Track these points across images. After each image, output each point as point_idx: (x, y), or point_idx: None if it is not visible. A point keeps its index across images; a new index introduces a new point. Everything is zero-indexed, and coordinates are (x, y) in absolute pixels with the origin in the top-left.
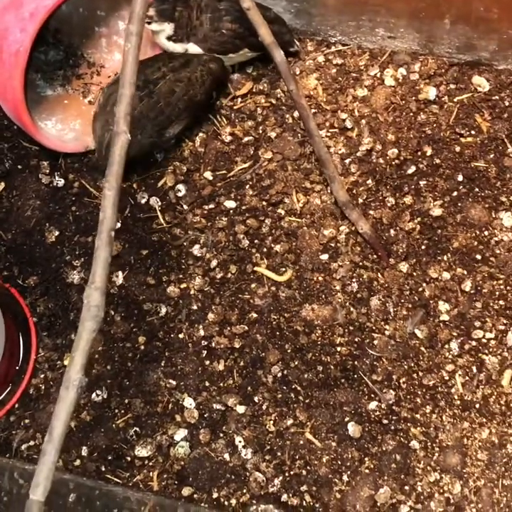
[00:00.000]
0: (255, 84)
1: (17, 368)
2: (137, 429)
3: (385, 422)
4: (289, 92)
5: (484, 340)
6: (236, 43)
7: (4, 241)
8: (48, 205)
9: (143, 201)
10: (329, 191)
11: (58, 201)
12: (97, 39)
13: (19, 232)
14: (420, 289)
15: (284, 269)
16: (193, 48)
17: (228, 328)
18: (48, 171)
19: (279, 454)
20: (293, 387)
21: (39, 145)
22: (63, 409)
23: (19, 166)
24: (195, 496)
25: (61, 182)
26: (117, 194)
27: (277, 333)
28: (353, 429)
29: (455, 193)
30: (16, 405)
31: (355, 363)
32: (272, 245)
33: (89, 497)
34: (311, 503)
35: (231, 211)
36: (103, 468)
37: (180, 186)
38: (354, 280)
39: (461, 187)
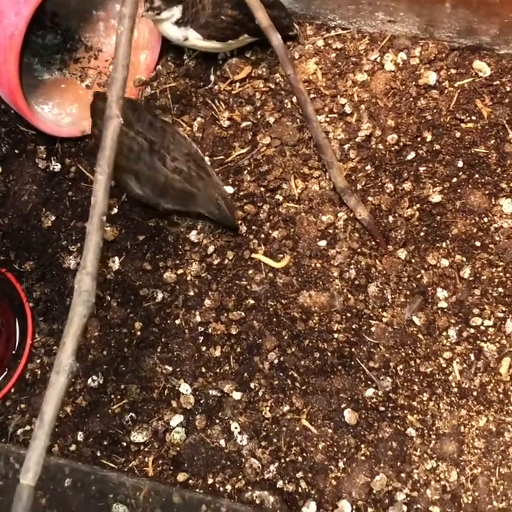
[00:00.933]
0: (254, 68)
1: (13, 352)
2: (133, 414)
3: (382, 409)
4: (287, 77)
5: (482, 328)
6: (236, 29)
7: (0, 226)
8: (44, 189)
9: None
10: (328, 177)
11: (55, 186)
12: (94, 23)
13: (15, 217)
14: (418, 276)
15: (281, 256)
16: (193, 35)
17: (225, 315)
18: (44, 156)
19: (275, 440)
20: (289, 373)
21: (36, 129)
22: (54, 395)
23: (16, 151)
24: (190, 481)
25: (58, 167)
26: (109, 178)
27: (274, 319)
28: (349, 416)
29: (455, 180)
30: (12, 390)
31: (353, 349)
32: (270, 231)
33: (84, 482)
34: (307, 490)
35: (229, 197)
36: (99, 454)
37: None
38: (352, 267)
39: (461, 173)
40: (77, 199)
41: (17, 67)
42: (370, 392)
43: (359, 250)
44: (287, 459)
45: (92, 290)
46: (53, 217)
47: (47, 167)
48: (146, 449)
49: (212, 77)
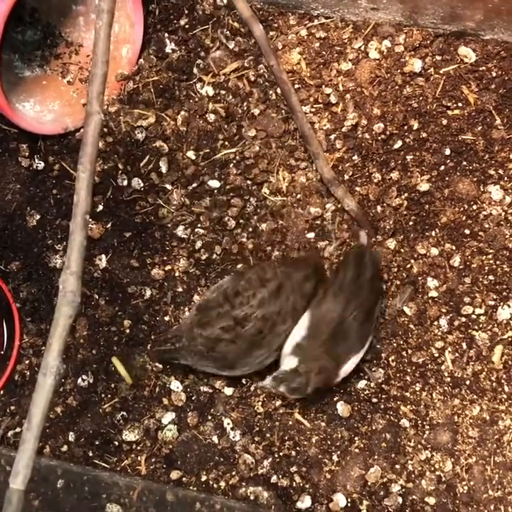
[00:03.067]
0: (237, 60)
1: (1, 354)
2: (124, 413)
3: (375, 400)
4: (270, 68)
5: (474, 316)
6: None
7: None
8: (28, 188)
9: (125, 183)
10: (314, 168)
11: (39, 184)
12: (74, 18)
13: (0, 217)
14: (408, 266)
15: (270, 249)
16: None
17: None
18: (27, 154)
19: (268, 435)
20: None
21: (18, 128)
22: (41, 397)
23: None
24: (183, 479)
25: (41, 165)
26: (92, 176)
27: None
28: (342, 408)
29: (442, 167)
30: (1, 392)
31: None
32: (258, 225)
33: (77, 483)
34: (301, 484)
35: (215, 191)
36: (91, 454)
37: (163, 166)
38: (341, 258)
39: (449, 161)
40: (61, 197)
41: None
42: (362, 384)
43: (348, 241)
44: (281, 454)
45: (78, 290)
46: (38, 216)
47: (30, 165)
48: (139, 448)
49: (195, 70)
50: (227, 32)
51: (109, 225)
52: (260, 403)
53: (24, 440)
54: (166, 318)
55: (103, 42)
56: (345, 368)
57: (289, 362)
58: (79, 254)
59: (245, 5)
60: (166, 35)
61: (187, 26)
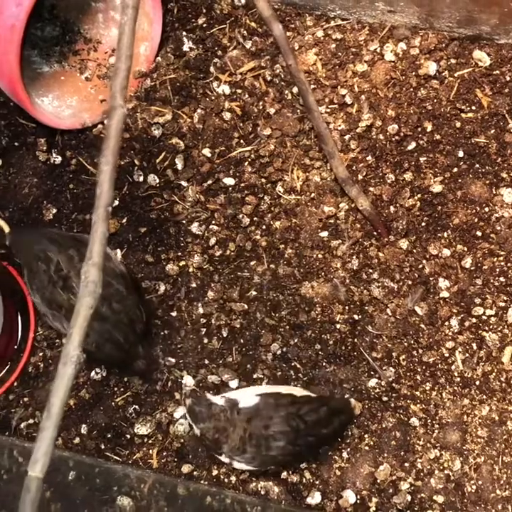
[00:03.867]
0: (254, 59)
1: (15, 346)
2: (136, 406)
3: (385, 399)
4: (288, 67)
5: (484, 317)
6: None
7: (2, 219)
8: (45, 182)
9: (141, 179)
10: (329, 168)
11: (56, 179)
12: (93, 15)
13: (17, 210)
14: (420, 266)
15: (283, 246)
16: None
17: (227, 306)
18: (45, 148)
19: None
20: (292, 364)
21: (36, 122)
22: (61, 386)
23: (16, 144)
24: (194, 473)
25: (58, 159)
26: (114, 169)
27: (276, 310)
28: (352, 406)
29: (455, 169)
30: (15, 384)
31: (355, 340)
32: (271, 222)
33: (89, 475)
34: (311, 480)
35: (230, 188)
36: (102, 446)
37: (179, 163)
38: (354, 257)
39: (462, 163)
40: (78, 191)
41: (18, 58)
42: (373, 382)
43: (361, 241)
44: None
45: (99, 281)
46: (54, 210)
47: (47, 160)
48: (150, 441)
49: (212, 69)
50: (245, 32)
51: (124, 220)
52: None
53: (43, 428)
54: (180, 314)
55: (127, 37)
56: None
57: None
58: (101, 245)
59: (265, 4)
60: (184, 33)
61: (205, 25)
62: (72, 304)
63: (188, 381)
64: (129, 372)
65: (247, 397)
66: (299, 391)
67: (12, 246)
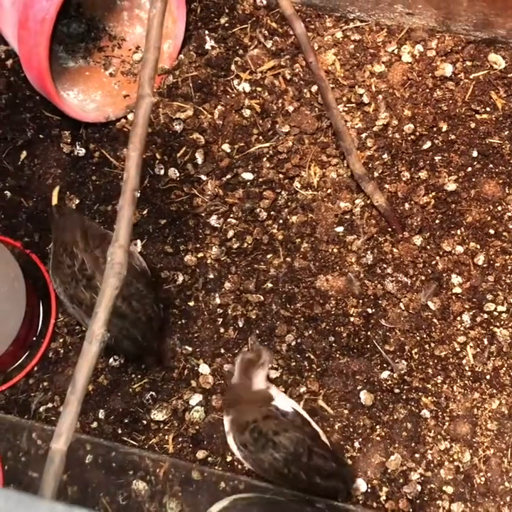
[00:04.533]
0: (274, 58)
1: (36, 332)
2: (153, 393)
3: (397, 391)
4: (308, 64)
5: (496, 313)
6: None
7: (26, 208)
8: (68, 174)
9: (161, 172)
10: (345, 165)
11: (79, 170)
12: (118, 12)
13: (40, 200)
14: (434, 262)
15: (299, 241)
16: None
17: (244, 297)
18: (69, 141)
19: None
20: (306, 355)
21: (61, 115)
22: (86, 362)
23: (41, 136)
24: (209, 459)
25: (82, 151)
26: (141, 155)
27: (292, 302)
28: (365, 397)
29: (469, 169)
30: (35, 368)
31: (368, 333)
32: (288, 217)
33: (105, 459)
34: None
35: (248, 183)
36: (119, 431)
37: (199, 158)
38: (369, 252)
39: (476, 163)
40: (100, 183)
41: (47, 52)
42: (385, 374)
43: (376, 236)
44: None
45: (125, 262)
46: (77, 201)
47: (71, 152)
48: (166, 427)
49: (233, 67)
50: (266, 31)
51: (145, 212)
52: (285, 389)
53: (68, 402)
54: (197, 304)
55: (155, 29)
56: None
57: None
58: (127, 228)
59: (288, 3)
60: (207, 32)
61: (227, 25)
62: (94, 303)
63: (203, 369)
64: (142, 363)
65: (284, 402)
66: (324, 436)
67: (51, 222)
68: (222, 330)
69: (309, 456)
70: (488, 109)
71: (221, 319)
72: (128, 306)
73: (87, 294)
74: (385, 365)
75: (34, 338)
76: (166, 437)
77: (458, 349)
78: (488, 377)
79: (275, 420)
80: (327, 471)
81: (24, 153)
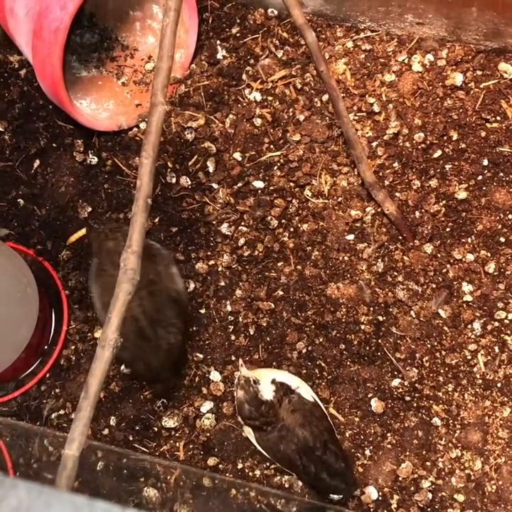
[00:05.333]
0: (285, 68)
1: (49, 339)
2: (164, 400)
3: (408, 398)
4: (320, 74)
5: (507, 321)
6: None
7: (39, 216)
8: (81, 182)
9: (173, 180)
10: (356, 173)
11: (91, 178)
12: (131, 23)
13: (53, 208)
14: (444, 270)
15: (310, 249)
16: None
17: (255, 305)
18: (82, 149)
19: None
20: (317, 363)
21: (74, 124)
22: (99, 368)
23: (54, 144)
24: (220, 466)
25: (94, 160)
26: (154, 162)
27: (302, 310)
28: (376, 404)
29: (480, 177)
30: (47, 375)
31: (379, 341)
32: (299, 225)
33: (116, 465)
34: None
35: (259, 191)
36: (131, 438)
37: (210, 166)
38: (379, 260)
39: (486, 171)
40: (112, 191)
41: (61, 61)
42: (396, 382)
43: (386, 244)
44: None
45: (137, 268)
46: (90, 209)
47: (84, 160)
48: (177, 434)
49: (244, 76)
50: (277, 41)
51: (157, 220)
52: None
53: (80, 408)
54: (208, 311)
55: (169, 38)
56: None
57: None
58: (140, 234)
59: (300, 12)
60: (218, 42)
61: (238, 35)
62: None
63: (215, 376)
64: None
65: (306, 391)
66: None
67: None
68: (233, 337)
69: (324, 451)
70: (498, 118)
71: (232, 326)
72: (153, 331)
73: None
74: (395, 372)
75: (46, 346)
76: (177, 444)
77: (469, 357)
78: (499, 385)
79: (299, 411)
80: (336, 469)
81: (37, 162)
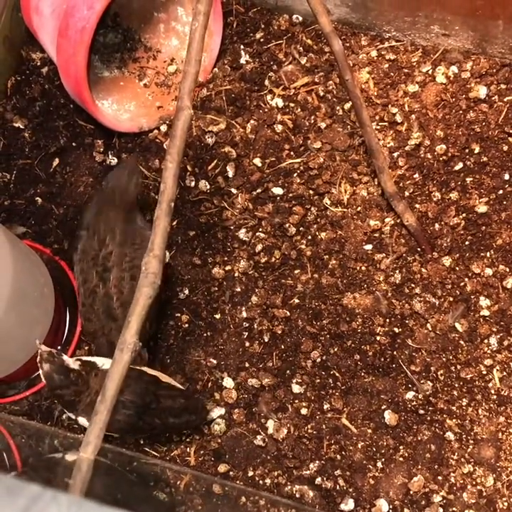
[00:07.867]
0: (308, 75)
1: (62, 339)
2: None
3: (422, 412)
4: (344, 82)
5: None
6: None
7: (56, 215)
8: (100, 182)
9: (192, 184)
10: (376, 183)
11: None
12: (155, 24)
13: (71, 207)
14: (462, 284)
15: (327, 257)
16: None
17: (270, 312)
18: (101, 150)
19: (314, 438)
20: (331, 372)
21: (94, 124)
22: (117, 371)
23: (74, 144)
24: (230, 473)
25: (114, 161)
26: (178, 166)
27: (318, 319)
28: (389, 417)
29: (501, 191)
30: None
31: (394, 352)
32: (317, 233)
33: (125, 470)
34: (345, 487)
35: (278, 198)
36: (141, 442)
37: (230, 171)
38: (397, 271)
39: (507, 185)
40: None
41: (85, 60)
42: (410, 394)
43: (405, 256)
44: (326, 457)
45: (159, 272)
46: None
47: (104, 161)
48: (188, 440)
49: (266, 82)
50: (301, 48)
51: (174, 223)
52: (305, 407)
53: (97, 411)
54: (223, 316)
55: (197, 42)
56: None
57: None
58: (162, 238)
59: (327, 20)
60: (242, 47)
61: (262, 40)
62: (95, 291)
63: (227, 383)
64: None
65: (108, 363)
66: (165, 377)
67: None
68: (247, 344)
69: (158, 401)
70: None
71: (247, 333)
72: (122, 313)
73: (95, 279)
74: (410, 385)
75: (59, 346)
76: (188, 450)
77: (484, 372)
78: None
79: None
80: (178, 408)
81: (56, 161)
